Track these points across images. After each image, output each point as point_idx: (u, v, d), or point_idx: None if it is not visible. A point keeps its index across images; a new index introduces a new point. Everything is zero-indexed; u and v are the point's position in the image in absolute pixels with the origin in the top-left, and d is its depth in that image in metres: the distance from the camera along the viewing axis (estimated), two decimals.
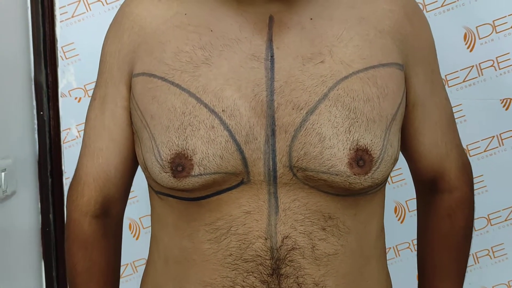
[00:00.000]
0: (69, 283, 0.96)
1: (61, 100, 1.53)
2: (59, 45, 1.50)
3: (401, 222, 1.52)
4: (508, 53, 1.45)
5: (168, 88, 0.83)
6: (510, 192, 1.50)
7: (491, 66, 1.46)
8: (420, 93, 0.92)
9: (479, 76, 1.47)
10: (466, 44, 1.46)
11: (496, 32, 1.45)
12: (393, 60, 0.86)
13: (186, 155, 0.80)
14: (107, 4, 1.49)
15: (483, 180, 1.49)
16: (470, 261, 1.51)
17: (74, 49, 1.51)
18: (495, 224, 1.51)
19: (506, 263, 1.52)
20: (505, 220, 1.51)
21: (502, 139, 1.49)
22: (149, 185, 0.90)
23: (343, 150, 0.79)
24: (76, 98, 1.52)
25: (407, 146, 0.95)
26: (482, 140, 1.49)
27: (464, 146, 1.46)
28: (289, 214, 0.81)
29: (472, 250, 1.51)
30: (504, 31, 1.45)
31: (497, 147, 1.49)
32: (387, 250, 1.52)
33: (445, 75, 1.46)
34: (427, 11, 1.45)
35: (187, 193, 0.82)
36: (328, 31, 0.85)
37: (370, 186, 0.82)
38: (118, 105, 0.90)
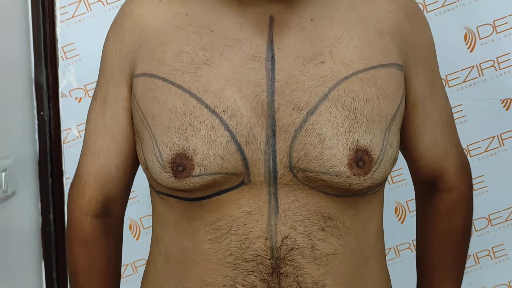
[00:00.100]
0: (70, 281, 0.97)
1: (61, 100, 1.53)
2: (59, 45, 1.50)
3: (402, 223, 1.52)
4: (509, 53, 1.45)
5: (169, 89, 0.83)
6: (510, 192, 1.50)
7: (492, 66, 1.46)
8: (420, 93, 0.92)
9: (480, 76, 1.47)
10: (466, 44, 1.46)
11: (497, 32, 1.45)
12: (393, 61, 0.86)
13: (187, 156, 0.80)
14: (107, 4, 1.49)
15: (483, 181, 1.49)
16: (471, 261, 1.52)
17: (75, 49, 1.51)
18: (495, 224, 1.51)
19: (507, 263, 1.52)
20: (506, 221, 1.51)
21: (502, 139, 1.49)
22: (150, 185, 0.91)
23: (343, 150, 0.79)
24: (76, 98, 1.52)
25: (406, 145, 0.96)
26: (482, 140, 1.49)
27: (465, 147, 1.47)
28: (289, 215, 0.82)
29: (473, 251, 1.52)
30: (505, 31, 1.45)
31: (497, 147, 1.49)
32: (387, 251, 1.52)
33: (446, 75, 1.46)
34: (427, 11, 1.45)
35: (188, 193, 0.82)
36: (329, 32, 0.85)
37: (370, 187, 0.82)
38: (119, 105, 0.90)
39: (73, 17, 1.49)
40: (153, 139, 0.83)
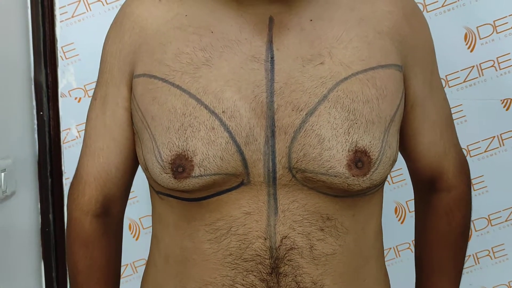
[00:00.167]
0: (70, 281, 0.97)
1: (61, 100, 1.52)
2: (59, 45, 1.50)
3: (402, 223, 1.52)
4: (509, 53, 1.45)
5: (169, 89, 0.83)
6: (510, 192, 1.50)
7: (492, 66, 1.46)
8: (419, 94, 0.92)
9: (480, 76, 1.47)
10: (466, 44, 1.46)
11: (497, 32, 1.45)
12: (392, 62, 0.86)
13: (186, 156, 0.80)
14: (107, 4, 1.49)
15: (483, 181, 1.49)
16: (471, 261, 1.52)
17: (74, 49, 1.51)
18: (495, 224, 1.51)
19: (507, 263, 1.52)
20: (506, 221, 1.51)
21: (502, 140, 1.49)
22: (150, 185, 0.91)
23: (342, 151, 0.79)
24: (76, 98, 1.52)
25: (405, 145, 0.96)
26: (482, 140, 1.49)
27: (465, 147, 1.47)
28: (288, 215, 0.82)
29: (473, 251, 1.52)
30: (505, 31, 1.44)
31: (497, 147, 1.49)
32: (387, 251, 1.52)
33: (446, 75, 1.46)
34: (427, 11, 1.44)
35: (188, 193, 0.82)
36: (328, 33, 0.85)
37: (369, 187, 0.82)
38: (119, 105, 0.90)
39: (72, 17, 1.49)
40: (153, 139, 0.83)
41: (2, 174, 1.37)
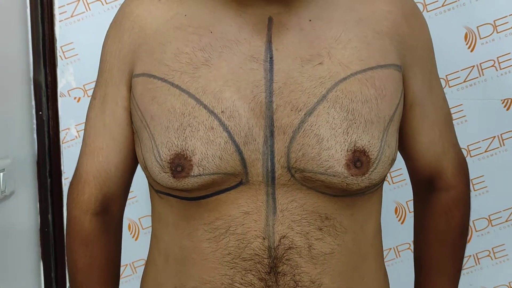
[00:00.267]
0: (70, 279, 0.98)
1: (60, 100, 1.52)
2: (58, 44, 1.50)
3: (402, 223, 1.52)
4: (509, 53, 1.45)
5: (168, 89, 0.83)
6: (511, 192, 1.50)
7: (492, 66, 1.46)
8: (418, 93, 0.92)
9: (480, 76, 1.46)
10: (467, 44, 1.46)
11: (497, 32, 1.44)
12: (391, 61, 0.86)
13: (185, 156, 0.80)
14: (106, 3, 1.48)
15: (484, 181, 1.49)
16: (471, 262, 1.52)
17: (73, 48, 1.50)
18: (496, 225, 1.51)
19: (507, 264, 1.52)
20: (506, 221, 1.51)
21: (503, 140, 1.48)
22: (149, 184, 0.91)
23: (341, 151, 0.79)
24: (75, 98, 1.52)
25: (404, 145, 0.96)
26: (482, 140, 1.49)
27: (465, 147, 1.47)
28: (286, 215, 0.82)
29: (473, 251, 1.52)
30: (505, 31, 1.44)
31: (498, 147, 1.49)
32: (387, 251, 1.52)
33: (446, 75, 1.46)
34: (427, 11, 1.44)
35: (187, 193, 0.82)
36: (327, 33, 0.85)
37: (367, 187, 0.82)
38: (118, 104, 0.91)
39: (72, 16, 1.49)
40: (152, 139, 0.83)
41: (1, 174, 1.37)
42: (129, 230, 1.54)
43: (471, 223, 1.48)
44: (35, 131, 1.52)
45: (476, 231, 1.51)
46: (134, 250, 1.42)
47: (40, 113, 1.51)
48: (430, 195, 1.00)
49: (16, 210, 1.45)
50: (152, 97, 0.84)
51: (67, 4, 1.49)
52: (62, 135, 1.53)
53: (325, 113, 0.80)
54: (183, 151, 0.80)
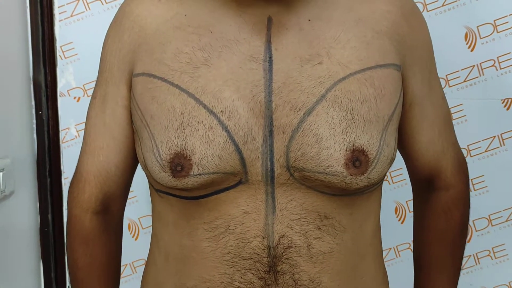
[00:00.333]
0: (71, 278, 0.98)
1: (60, 100, 1.52)
2: (58, 44, 1.50)
3: (402, 223, 1.52)
4: (509, 52, 1.45)
5: (168, 89, 0.83)
6: (511, 192, 1.50)
7: (492, 66, 1.46)
8: (417, 93, 0.92)
9: (480, 76, 1.46)
10: (467, 43, 1.46)
11: (497, 32, 1.44)
12: (390, 61, 0.86)
13: (185, 155, 0.80)
14: (106, 3, 1.48)
15: (484, 181, 1.49)
16: (471, 261, 1.52)
17: (73, 48, 1.50)
18: (496, 224, 1.51)
19: (507, 263, 1.52)
20: (506, 221, 1.51)
21: (503, 139, 1.48)
22: (150, 183, 0.91)
23: (340, 151, 0.80)
24: (75, 98, 1.52)
25: (404, 144, 0.96)
26: (483, 140, 1.49)
27: (465, 146, 1.46)
28: (285, 214, 0.82)
29: (473, 251, 1.52)
30: (505, 30, 1.44)
31: (498, 147, 1.49)
32: (387, 251, 1.52)
33: (446, 75, 1.46)
34: (427, 11, 1.44)
35: (186, 192, 0.83)
36: (326, 33, 0.85)
37: (366, 186, 0.82)
38: (118, 104, 0.91)
39: (71, 16, 1.49)
40: (152, 138, 0.83)
41: (1, 173, 1.37)
42: (129, 230, 1.54)
43: (471, 223, 1.48)
44: (34, 131, 1.52)
45: (476, 230, 1.51)
46: (134, 250, 1.42)
47: (40, 112, 1.51)
48: (430, 195, 1.00)
49: (16, 210, 1.45)
50: (152, 97, 0.84)
51: (67, 4, 1.49)
52: (62, 134, 1.53)
53: (324, 113, 0.80)
54: (183, 150, 0.80)
